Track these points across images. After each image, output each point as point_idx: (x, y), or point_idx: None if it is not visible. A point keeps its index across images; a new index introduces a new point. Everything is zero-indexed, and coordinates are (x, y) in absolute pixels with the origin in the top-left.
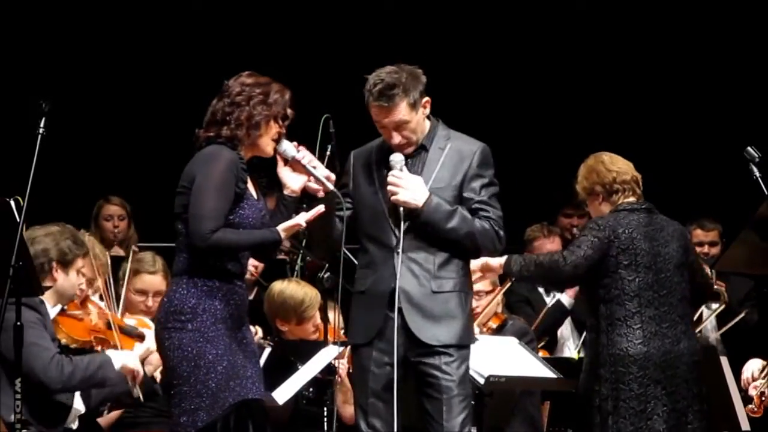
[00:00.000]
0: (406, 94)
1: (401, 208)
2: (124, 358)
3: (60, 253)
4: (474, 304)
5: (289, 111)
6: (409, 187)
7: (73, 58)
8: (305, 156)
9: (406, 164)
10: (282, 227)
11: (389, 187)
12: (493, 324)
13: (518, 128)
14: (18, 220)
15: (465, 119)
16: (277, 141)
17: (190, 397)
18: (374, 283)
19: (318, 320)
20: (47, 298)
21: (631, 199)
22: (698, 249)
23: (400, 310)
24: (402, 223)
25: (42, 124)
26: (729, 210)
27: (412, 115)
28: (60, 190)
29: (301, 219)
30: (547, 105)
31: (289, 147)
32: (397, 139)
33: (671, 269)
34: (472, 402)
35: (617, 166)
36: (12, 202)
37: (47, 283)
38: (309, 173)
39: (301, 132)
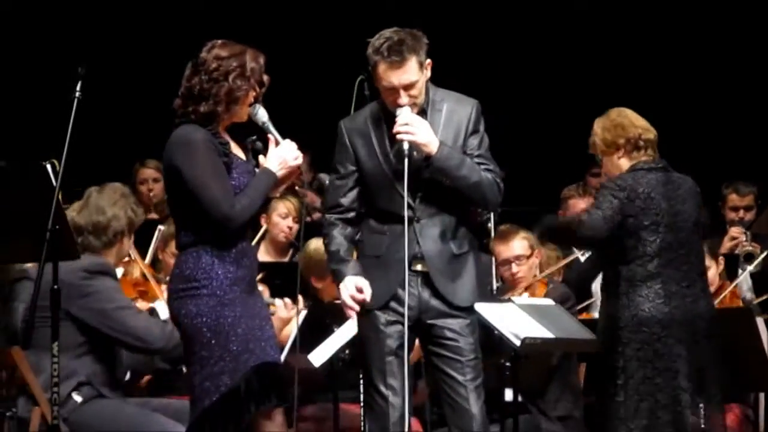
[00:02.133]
0: (415, 51)
1: (405, 153)
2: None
3: (129, 223)
4: (515, 269)
5: (265, 77)
6: (423, 130)
7: (109, 22)
8: (272, 128)
9: None
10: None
11: (404, 128)
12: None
13: (548, 93)
14: (54, 184)
15: (495, 86)
16: (252, 104)
17: (211, 363)
18: (390, 249)
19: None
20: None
21: (648, 157)
22: (733, 214)
23: (420, 273)
24: (406, 167)
25: (78, 88)
26: (764, 170)
27: (419, 75)
28: (97, 153)
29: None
30: (580, 70)
31: (261, 112)
32: (405, 99)
33: (690, 227)
34: (507, 364)
35: (640, 123)
36: (48, 166)
37: (114, 250)
38: (276, 141)
39: (334, 94)
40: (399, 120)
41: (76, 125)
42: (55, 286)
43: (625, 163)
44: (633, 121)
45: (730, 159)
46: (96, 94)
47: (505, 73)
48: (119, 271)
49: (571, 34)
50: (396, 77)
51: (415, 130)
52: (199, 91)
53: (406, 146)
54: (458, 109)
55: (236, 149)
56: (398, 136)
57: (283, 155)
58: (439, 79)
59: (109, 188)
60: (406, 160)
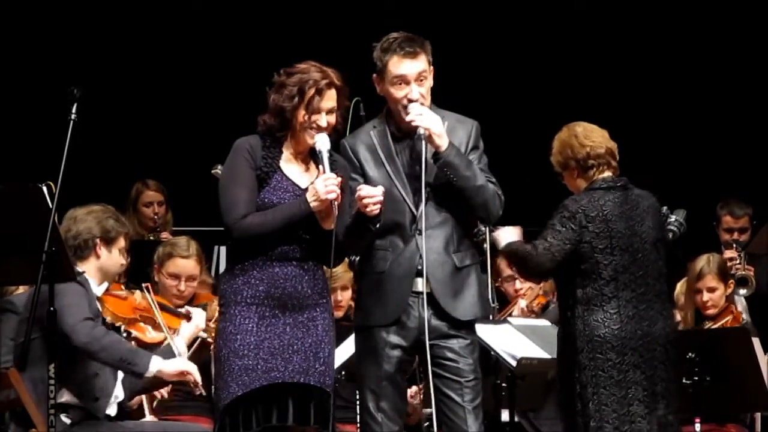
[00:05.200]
0: (425, 50)
1: (423, 136)
2: (166, 365)
3: (103, 231)
4: (518, 285)
5: (316, 100)
6: (437, 122)
7: (106, 42)
8: (326, 157)
9: (412, 144)
10: (308, 194)
11: (419, 117)
12: (538, 304)
13: (551, 108)
14: (50, 205)
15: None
16: (317, 132)
17: (218, 376)
18: (395, 264)
19: (340, 297)
20: (92, 276)
21: (607, 174)
22: (728, 235)
23: (422, 293)
24: (424, 148)
25: (73, 110)
26: (759, 190)
27: (428, 73)
28: (93, 175)
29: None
30: (577, 87)
31: (321, 140)
32: (416, 93)
33: (648, 248)
34: (503, 384)
35: (591, 139)
36: (44, 188)
37: (91, 260)
38: (324, 172)
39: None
40: (413, 110)
41: (71, 147)
42: (51, 308)
43: (582, 183)
44: (581, 140)
45: (725, 178)
46: (92, 115)
47: (501, 93)
48: (102, 287)
49: (562, 54)
50: (411, 66)
51: (429, 120)
52: (269, 102)
53: (421, 131)
54: (459, 127)
55: (289, 167)
56: (413, 123)
57: (317, 187)
58: (438, 97)
59: (92, 205)
60: (423, 143)
